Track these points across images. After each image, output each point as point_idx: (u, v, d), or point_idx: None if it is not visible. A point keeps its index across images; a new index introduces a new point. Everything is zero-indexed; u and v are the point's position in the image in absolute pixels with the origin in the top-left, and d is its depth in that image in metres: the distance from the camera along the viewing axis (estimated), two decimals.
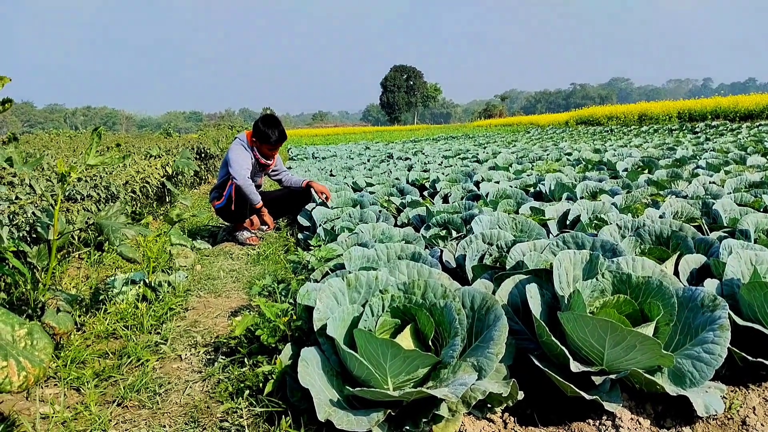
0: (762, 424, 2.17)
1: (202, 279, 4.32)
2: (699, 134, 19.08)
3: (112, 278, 3.80)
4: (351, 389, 2.06)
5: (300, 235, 5.34)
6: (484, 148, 17.62)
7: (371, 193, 7.33)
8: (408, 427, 2.04)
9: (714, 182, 6.41)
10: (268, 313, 2.52)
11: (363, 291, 2.50)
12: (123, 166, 6.10)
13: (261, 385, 2.34)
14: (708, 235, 3.87)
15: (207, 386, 2.55)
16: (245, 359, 2.64)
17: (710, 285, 2.75)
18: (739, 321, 2.50)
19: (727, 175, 7.16)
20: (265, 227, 6.11)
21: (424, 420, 2.01)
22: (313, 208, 5.57)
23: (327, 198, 5.90)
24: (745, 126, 20.81)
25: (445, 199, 6.96)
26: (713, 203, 4.51)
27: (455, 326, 2.19)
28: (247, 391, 2.34)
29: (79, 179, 5.45)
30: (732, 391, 2.37)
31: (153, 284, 3.76)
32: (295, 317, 2.54)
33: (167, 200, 8.31)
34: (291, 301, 2.95)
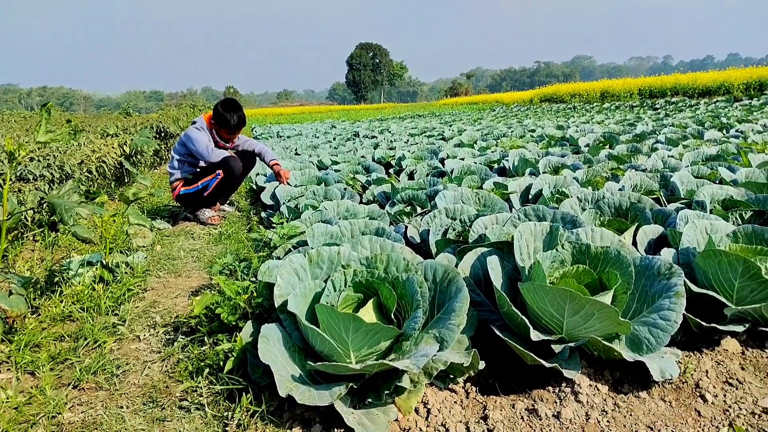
0: (714, 387, 2.24)
1: (162, 259, 4.22)
2: (659, 110, 19.46)
3: (68, 260, 3.68)
4: (313, 364, 2.05)
5: (263, 214, 5.26)
6: (450, 125, 17.65)
7: (336, 171, 7.27)
8: (370, 400, 2.04)
9: (672, 156, 6.54)
10: (228, 291, 2.48)
11: (325, 266, 2.47)
12: (77, 145, 5.90)
13: (221, 363, 2.30)
14: (666, 206, 3.95)
15: (166, 366, 2.50)
16: (205, 338, 2.60)
17: (667, 254, 2.81)
18: (694, 288, 2.56)
19: (685, 149, 7.32)
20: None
21: (387, 392, 2.01)
22: (276, 186, 5.49)
23: (285, 182, 5.73)
24: (703, 102, 21.33)
25: (411, 176, 6.95)
26: (671, 176, 4.60)
27: (417, 299, 2.19)
28: (207, 370, 2.31)
29: (32, 159, 5.25)
30: (687, 356, 2.44)
31: (110, 265, 3.66)
32: (255, 294, 2.50)
33: (126, 180, 8.09)
34: (252, 278, 2.90)
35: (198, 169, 5.55)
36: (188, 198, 5.58)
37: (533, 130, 12.74)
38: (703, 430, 2.06)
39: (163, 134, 11.56)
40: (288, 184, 5.61)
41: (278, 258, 3.12)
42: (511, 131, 12.74)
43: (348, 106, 78.34)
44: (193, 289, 3.53)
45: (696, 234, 2.88)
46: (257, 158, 6.05)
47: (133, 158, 8.22)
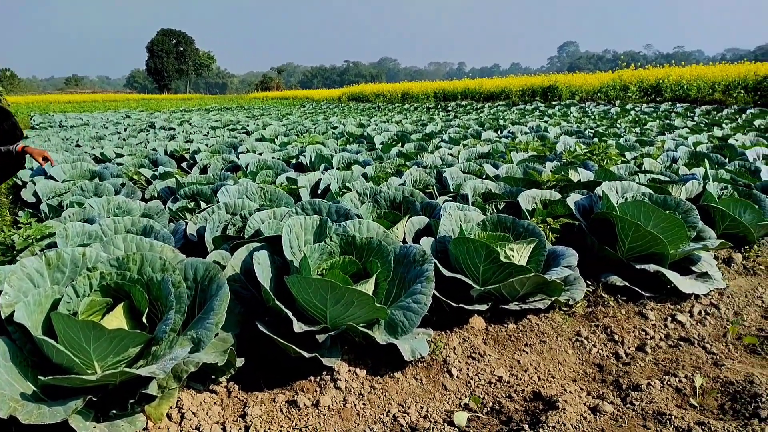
0: (459, 361, 2.48)
1: None
2: (450, 112, 21.23)
3: None
4: (43, 378, 1.83)
5: (21, 213, 4.62)
6: (256, 120, 17.34)
7: (119, 164, 6.68)
8: (115, 411, 1.89)
9: (451, 154, 7.15)
10: None
11: (68, 270, 2.23)
12: None
13: None
14: (436, 199, 4.30)
15: None
16: None
17: (426, 242, 3.04)
18: (445, 272, 2.80)
19: (464, 147, 8.05)
20: None
21: (132, 401, 1.87)
22: (32, 179, 4.85)
23: (50, 162, 4.98)
24: (487, 106, 23.76)
25: (204, 171, 6.65)
26: (444, 171, 5.01)
27: (170, 300, 2.08)
28: None
29: None
30: (438, 335, 2.66)
31: None
32: None
33: None
34: None
35: None
36: None
37: (336, 127, 13.05)
38: (448, 402, 2.27)
39: None
40: (55, 173, 4.94)
41: None
42: (315, 127, 12.91)
43: (149, 96, 72.82)
44: None
45: (451, 223, 3.17)
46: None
47: None
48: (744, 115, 13.44)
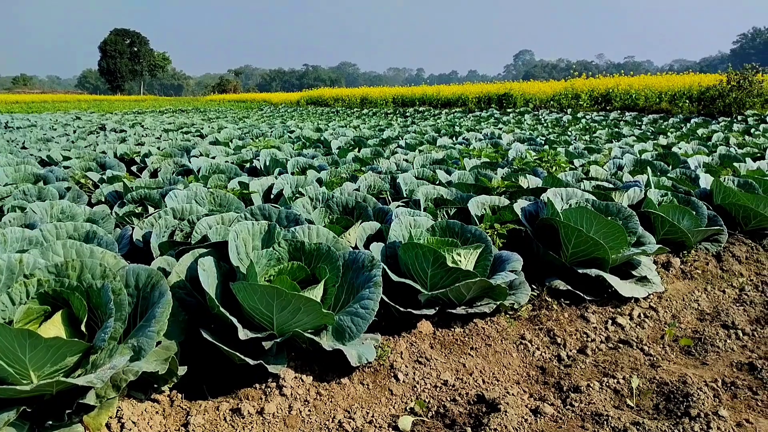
0: (406, 366, 2.50)
1: None
2: (408, 118, 21.39)
3: None
4: None
5: None
6: (212, 123, 17.09)
7: (66, 168, 6.49)
8: (51, 422, 1.84)
9: (407, 159, 7.22)
10: None
11: (4, 277, 2.15)
12: None
13: None
14: (390, 204, 4.33)
15: None
16: None
17: (376, 248, 3.06)
18: (394, 277, 2.83)
19: (420, 153, 8.13)
20: None
21: (68, 411, 1.83)
22: None
23: None
24: (444, 112, 24.03)
25: (154, 175, 6.53)
26: (398, 177, 5.05)
27: (110, 308, 2.03)
28: None
29: None
30: (386, 340, 2.68)
31: None
32: None
33: None
34: None
35: None
36: None
37: (293, 131, 12.98)
38: (394, 407, 2.29)
39: None
40: None
41: None
42: (272, 131, 12.81)
43: (101, 97, 70.85)
44: None
45: (401, 229, 3.20)
46: None
47: None
48: (688, 125, 14.02)
